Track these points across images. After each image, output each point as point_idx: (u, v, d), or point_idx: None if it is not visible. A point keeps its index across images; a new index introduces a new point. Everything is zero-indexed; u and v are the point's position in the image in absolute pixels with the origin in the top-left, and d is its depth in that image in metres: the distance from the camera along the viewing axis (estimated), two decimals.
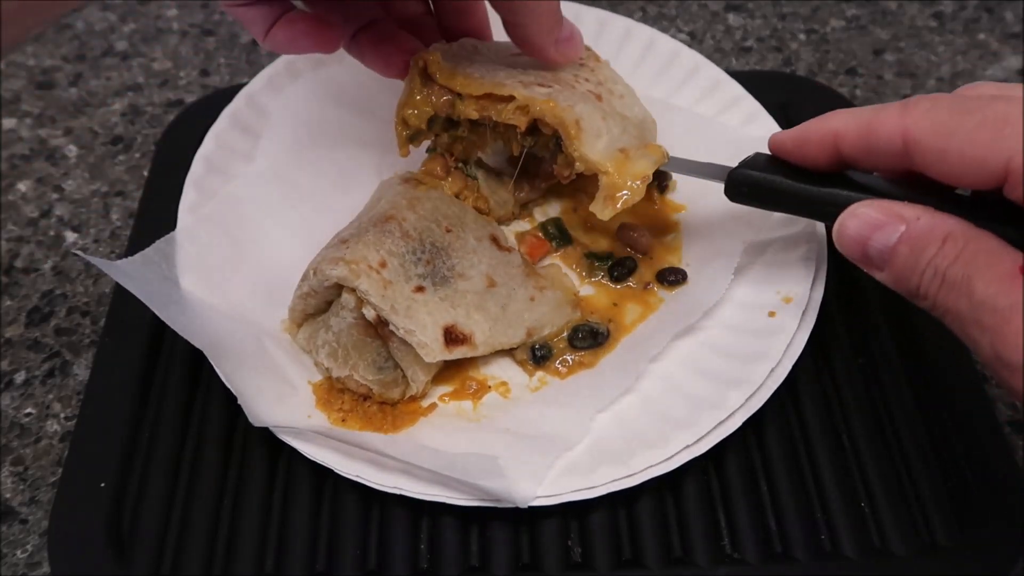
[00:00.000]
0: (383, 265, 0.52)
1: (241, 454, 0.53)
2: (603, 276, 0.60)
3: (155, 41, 0.83)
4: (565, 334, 0.57)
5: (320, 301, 0.55)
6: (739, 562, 0.49)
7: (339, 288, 0.53)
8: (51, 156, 0.73)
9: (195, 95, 0.78)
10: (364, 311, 0.52)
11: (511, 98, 0.54)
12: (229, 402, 0.55)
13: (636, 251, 0.61)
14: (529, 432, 0.52)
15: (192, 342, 0.52)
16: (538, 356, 0.56)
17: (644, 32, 0.70)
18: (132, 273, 0.53)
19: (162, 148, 0.70)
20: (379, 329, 0.53)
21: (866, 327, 0.58)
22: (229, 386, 0.51)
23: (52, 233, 0.68)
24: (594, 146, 0.54)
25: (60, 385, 0.59)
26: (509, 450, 0.50)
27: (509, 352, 0.57)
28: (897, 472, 0.52)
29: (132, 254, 0.63)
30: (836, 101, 0.73)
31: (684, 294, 0.59)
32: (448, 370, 0.56)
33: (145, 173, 0.71)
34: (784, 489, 0.52)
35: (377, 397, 0.54)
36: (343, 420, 0.53)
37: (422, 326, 0.52)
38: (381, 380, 0.53)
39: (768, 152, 0.52)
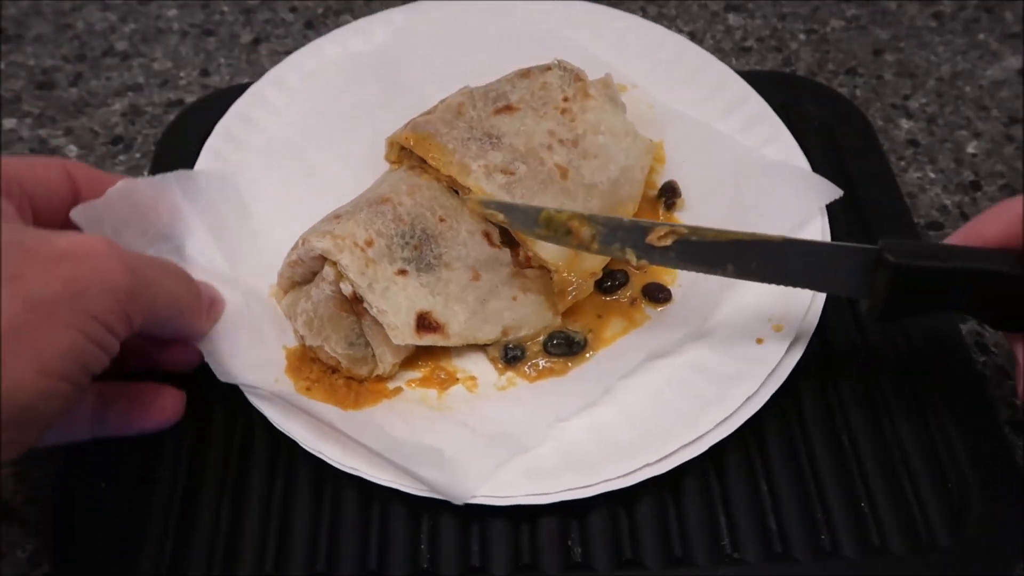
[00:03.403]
0: (369, 244, 0.53)
1: (241, 454, 0.53)
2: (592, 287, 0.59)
3: (155, 41, 0.83)
4: (541, 338, 0.57)
5: (306, 271, 0.56)
6: (739, 562, 0.49)
7: (324, 260, 0.54)
8: (51, 156, 0.73)
9: (195, 95, 0.77)
10: (342, 286, 0.53)
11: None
12: (230, 401, 0.55)
13: (631, 266, 0.60)
14: (487, 430, 0.52)
15: None
16: (510, 356, 0.56)
17: (673, 42, 0.69)
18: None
19: (162, 148, 0.70)
20: (354, 305, 0.54)
21: (865, 326, 0.58)
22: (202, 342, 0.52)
23: None
24: (548, 244, 0.55)
25: None
26: (461, 445, 0.50)
27: (483, 348, 0.57)
28: (897, 472, 0.52)
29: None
30: (836, 101, 0.73)
31: (670, 313, 0.58)
32: (420, 356, 0.56)
33: (145, 173, 0.71)
34: (784, 489, 0.52)
35: (345, 371, 0.55)
36: (308, 389, 0.54)
37: (396, 308, 0.53)
38: (350, 355, 0.54)
39: None
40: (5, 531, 0.53)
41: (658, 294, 0.59)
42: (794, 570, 0.49)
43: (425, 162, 0.59)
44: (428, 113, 0.61)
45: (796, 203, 0.58)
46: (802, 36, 0.82)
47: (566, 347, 0.56)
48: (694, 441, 0.50)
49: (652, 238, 0.51)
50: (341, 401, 0.53)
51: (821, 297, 0.56)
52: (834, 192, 0.59)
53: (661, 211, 0.63)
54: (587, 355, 0.57)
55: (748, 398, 0.51)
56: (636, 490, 0.51)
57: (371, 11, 0.73)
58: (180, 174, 0.58)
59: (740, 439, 0.52)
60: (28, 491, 0.54)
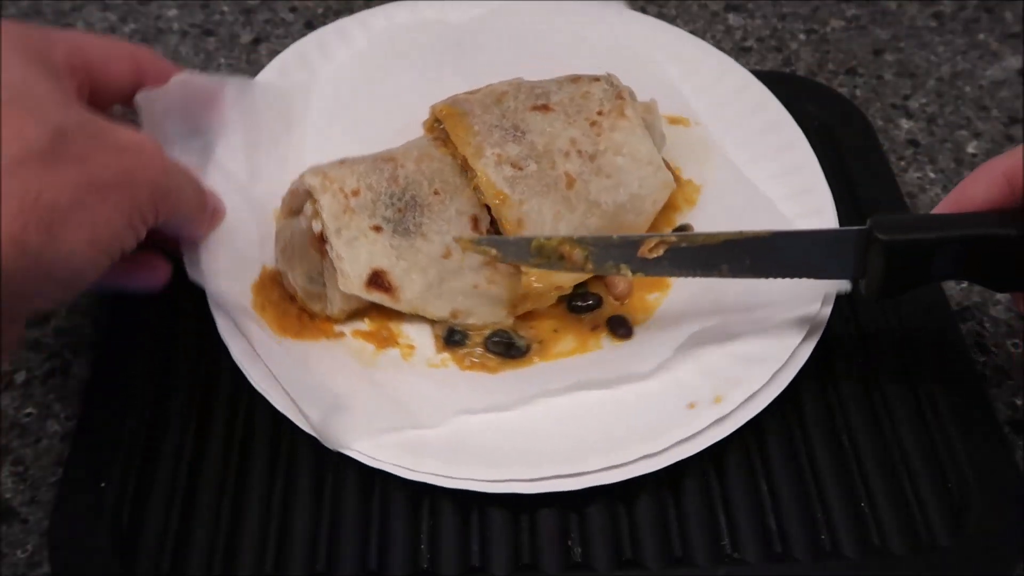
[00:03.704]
0: (355, 193, 0.56)
1: (241, 454, 0.53)
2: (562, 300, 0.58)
3: (155, 41, 0.83)
4: (487, 332, 0.57)
5: (299, 202, 0.57)
6: (739, 562, 0.49)
7: (310, 195, 0.56)
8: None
9: None
10: (313, 223, 0.55)
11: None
12: (230, 401, 0.55)
13: (611, 293, 0.59)
14: (395, 396, 0.53)
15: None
16: (452, 339, 0.57)
17: (755, 92, 0.66)
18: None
19: None
20: (320, 245, 0.56)
21: (865, 326, 0.58)
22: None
23: None
24: None
25: (60, 385, 0.59)
26: (362, 399, 0.52)
27: (433, 322, 0.58)
28: (897, 472, 0.52)
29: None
30: (836, 101, 0.73)
31: (622, 350, 0.57)
32: (374, 312, 0.58)
33: None
34: (784, 489, 0.52)
35: (300, 303, 0.57)
36: (262, 307, 0.56)
37: (354, 258, 0.54)
38: (307, 290, 0.57)
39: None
40: (5, 531, 0.53)
41: (619, 328, 0.57)
42: (794, 570, 0.49)
43: (445, 144, 0.59)
44: (472, 92, 0.61)
45: (803, 288, 0.54)
46: (802, 36, 0.82)
47: (504, 348, 0.56)
48: (574, 475, 0.49)
49: (643, 251, 0.51)
50: (286, 327, 0.56)
51: (791, 371, 0.53)
52: (844, 285, 0.55)
53: None
54: (526, 362, 0.56)
55: (646, 456, 0.50)
56: (636, 490, 0.51)
57: None
58: (238, 82, 0.62)
59: (740, 439, 0.52)
60: (28, 491, 0.54)
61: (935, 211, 0.51)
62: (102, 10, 0.85)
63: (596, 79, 0.62)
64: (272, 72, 0.65)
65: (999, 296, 0.62)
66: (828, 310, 0.55)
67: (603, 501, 0.51)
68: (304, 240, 0.56)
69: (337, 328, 0.57)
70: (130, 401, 0.55)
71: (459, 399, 0.53)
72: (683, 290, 0.59)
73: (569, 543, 0.50)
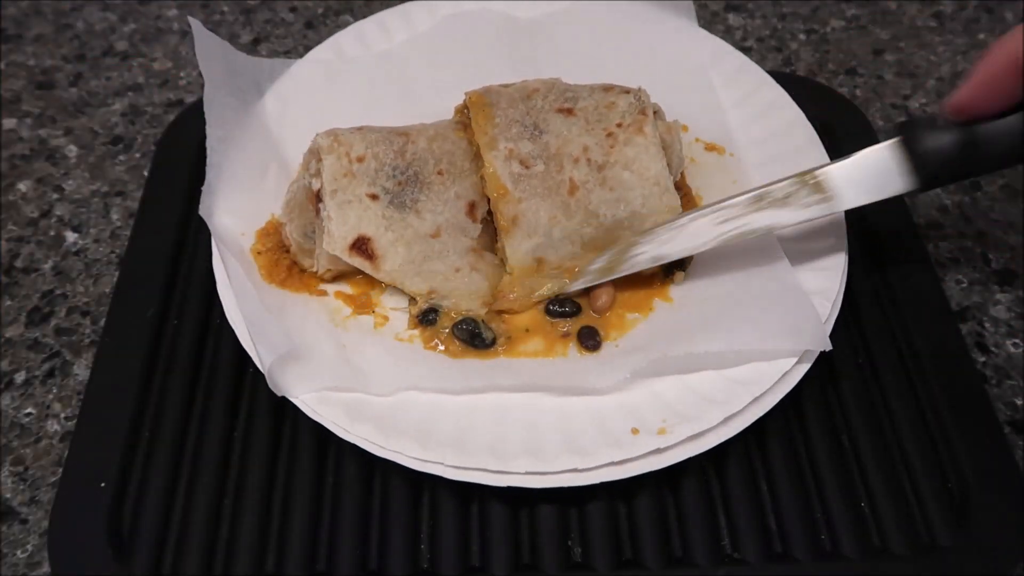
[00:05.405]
0: (360, 160, 0.57)
1: (240, 454, 0.53)
2: (541, 302, 0.58)
3: (155, 41, 0.83)
4: (459, 318, 0.57)
5: (315, 159, 0.59)
6: (739, 562, 0.49)
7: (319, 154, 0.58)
8: (51, 156, 0.73)
9: (195, 95, 0.77)
10: (312, 180, 0.57)
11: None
12: (228, 402, 0.55)
13: (591, 305, 0.58)
14: (355, 359, 0.54)
15: (209, 123, 0.59)
16: (424, 318, 0.57)
17: (809, 143, 0.63)
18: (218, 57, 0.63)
19: (162, 148, 0.70)
20: (316, 203, 0.57)
21: (866, 327, 0.58)
22: (209, 174, 0.58)
23: (52, 233, 0.68)
24: (519, 245, 0.57)
25: (60, 385, 0.59)
26: (319, 355, 0.53)
27: (413, 299, 0.58)
28: (897, 472, 0.52)
29: (132, 254, 0.63)
30: (836, 101, 0.73)
31: (585, 363, 0.56)
32: (360, 278, 0.59)
33: (145, 173, 0.71)
34: (784, 489, 0.52)
35: (293, 255, 0.58)
36: (259, 253, 0.59)
37: (343, 220, 0.56)
38: (300, 244, 0.58)
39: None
40: (5, 531, 0.53)
41: (588, 340, 0.56)
42: (794, 570, 0.49)
43: (466, 127, 0.60)
44: (507, 85, 0.62)
45: (780, 343, 0.53)
46: (802, 36, 0.82)
47: (469, 336, 0.56)
48: (496, 471, 0.49)
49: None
50: (274, 275, 0.58)
51: (743, 419, 0.51)
52: (823, 344, 0.52)
53: (658, 276, 0.59)
54: (489, 354, 0.56)
55: (574, 470, 0.49)
56: (636, 489, 0.51)
57: (371, 11, 0.73)
58: (277, 61, 0.67)
59: (740, 439, 0.52)
60: (28, 491, 0.54)
61: (962, 92, 0.50)
62: (102, 10, 0.85)
63: (626, 91, 0.61)
64: (327, 49, 0.68)
65: (999, 296, 0.62)
66: (803, 369, 0.52)
67: (603, 500, 0.51)
68: (303, 195, 0.58)
69: (322, 286, 0.59)
70: (129, 401, 0.55)
71: (413, 375, 0.53)
72: (664, 317, 0.58)
73: (569, 543, 0.50)
